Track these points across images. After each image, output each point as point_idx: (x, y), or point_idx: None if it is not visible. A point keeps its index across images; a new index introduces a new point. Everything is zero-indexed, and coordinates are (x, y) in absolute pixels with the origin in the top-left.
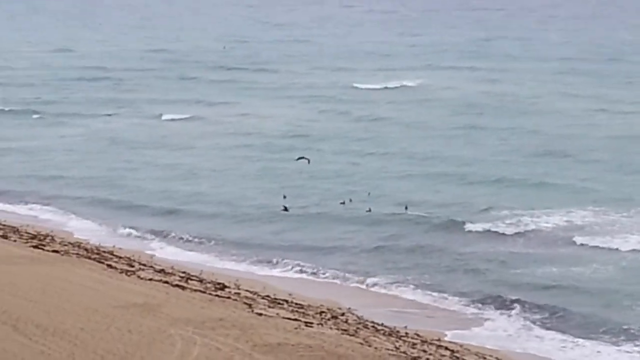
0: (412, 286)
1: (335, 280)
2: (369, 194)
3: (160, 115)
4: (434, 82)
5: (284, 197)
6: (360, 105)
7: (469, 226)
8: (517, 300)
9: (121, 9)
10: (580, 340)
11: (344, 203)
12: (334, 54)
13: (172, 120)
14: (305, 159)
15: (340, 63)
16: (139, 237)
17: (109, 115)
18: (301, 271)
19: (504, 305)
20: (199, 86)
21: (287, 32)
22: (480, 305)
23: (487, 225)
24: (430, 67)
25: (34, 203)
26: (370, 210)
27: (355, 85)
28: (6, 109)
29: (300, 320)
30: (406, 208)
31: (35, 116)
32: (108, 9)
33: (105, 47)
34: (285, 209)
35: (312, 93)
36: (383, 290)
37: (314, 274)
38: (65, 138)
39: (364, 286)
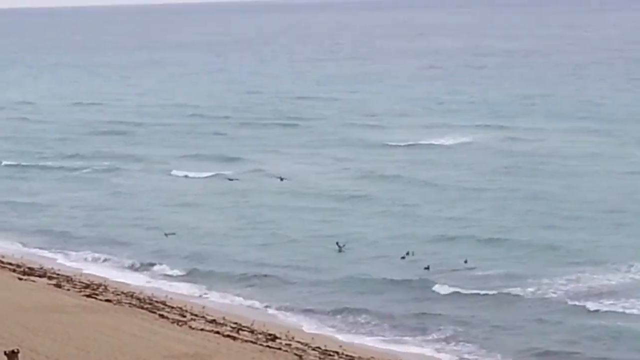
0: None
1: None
2: (465, 261)
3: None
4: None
5: (339, 246)
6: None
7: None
8: None
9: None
10: None
11: (404, 258)
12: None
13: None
14: None
15: (372, 121)
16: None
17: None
18: (348, 323)
19: None
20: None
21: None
22: None
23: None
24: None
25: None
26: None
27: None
28: (40, 163)
29: None
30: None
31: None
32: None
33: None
34: (339, 249)
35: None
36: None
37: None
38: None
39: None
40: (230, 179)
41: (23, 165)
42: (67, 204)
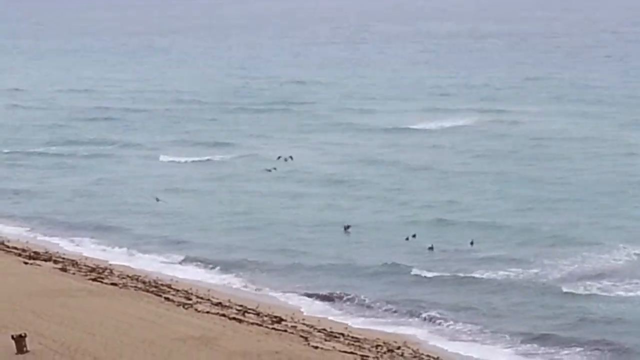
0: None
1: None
2: (471, 243)
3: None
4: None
5: (345, 228)
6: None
7: None
8: None
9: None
10: None
11: (407, 239)
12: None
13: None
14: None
15: (368, 105)
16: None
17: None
18: (354, 304)
19: None
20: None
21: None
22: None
23: None
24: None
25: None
26: (432, 248)
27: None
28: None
29: (356, 354)
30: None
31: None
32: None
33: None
34: (346, 228)
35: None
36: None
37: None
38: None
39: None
40: (268, 170)
41: (13, 152)
42: (59, 191)
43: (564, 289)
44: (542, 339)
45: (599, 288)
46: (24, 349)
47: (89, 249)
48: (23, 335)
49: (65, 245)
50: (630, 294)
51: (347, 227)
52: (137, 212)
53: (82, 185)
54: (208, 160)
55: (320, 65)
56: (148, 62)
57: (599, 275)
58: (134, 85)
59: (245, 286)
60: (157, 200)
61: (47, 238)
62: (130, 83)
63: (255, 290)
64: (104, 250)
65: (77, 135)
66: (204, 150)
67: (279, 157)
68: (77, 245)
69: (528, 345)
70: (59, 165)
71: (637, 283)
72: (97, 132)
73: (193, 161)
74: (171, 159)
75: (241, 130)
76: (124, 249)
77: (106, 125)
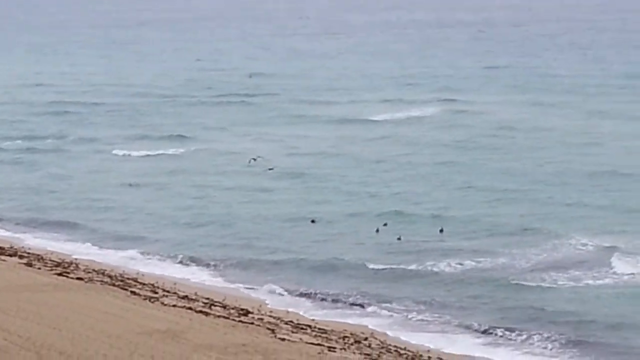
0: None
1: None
2: (441, 230)
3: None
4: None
5: (312, 221)
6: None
7: None
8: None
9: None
10: None
11: (377, 231)
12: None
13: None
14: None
15: (331, 97)
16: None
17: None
18: (322, 296)
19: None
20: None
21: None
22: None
23: None
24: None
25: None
26: (400, 239)
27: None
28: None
29: (323, 345)
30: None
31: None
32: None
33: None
34: (313, 222)
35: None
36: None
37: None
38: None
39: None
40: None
41: None
42: (16, 186)
43: (530, 281)
44: (507, 330)
45: (565, 279)
46: None
47: (52, 244)
48: None
49: (28, 240)
50: (598, 282)
51: (313, 221)
52: (95, 207)
53: (39, 180)
54: (163, 154)
55: (286, 57)
56: (111, 55)
57: (564, 267)
58: (95, 79)
59: (211, 279)
60: (130, 185)
61: (10, 233)
62: (92, 77)
63: (223, 282)
64: (66, 244)
65: (35, 130)
66: (161, 143)
67: (253, 159)
68: (41, 239)
69: (493, 336)
70: (16, 160)
71: (601, 274)
72: (55, 127)
73: (148, 155)
74: (126, 152)
75: (201, 124)
76: (88, 244)
77: (65, 119)
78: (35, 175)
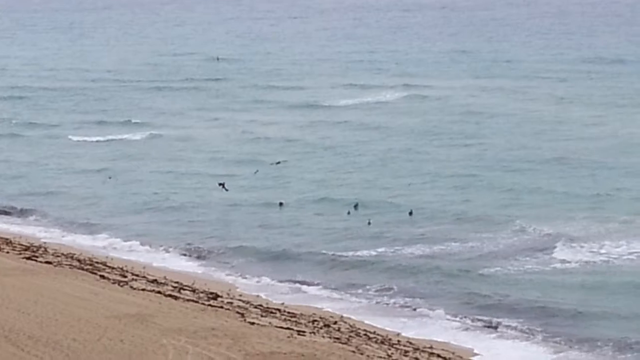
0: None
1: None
2: (410, 213)
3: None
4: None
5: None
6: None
7: None
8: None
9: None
10: None
11: (349, 213)
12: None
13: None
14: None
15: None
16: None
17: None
18: (291, 281)
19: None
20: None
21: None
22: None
23: None
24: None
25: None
26: (370, 223)
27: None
28: None
29: (292, 329)
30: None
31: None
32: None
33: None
34: (280, 205)
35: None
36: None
37: (304, 283)
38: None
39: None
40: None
41: None
42: None
43: (496, 266)
44: (475, 315)
45: (533, 263)
46: None
47: (18, 230)
48: None
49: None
50: (566, 265)
51: (281, 204)
52: (58, 194)
53: None
54: (120, 139)
55: (249, 41)
56: (71, 40)
57: (530, 253)
58: (54, 64)
59: (180, 263)
60: (110, 178)
61: None
62: (52, 62)
63: (193, 266)
64: (34, 229)
65: None
66: (117, 128)
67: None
68: (5, 224)
69: (461, 321)
70: None
71: (566, 262)
72: (11, 111)
73: (104, 140)
74: (81, 138)
75: (157, 109)
76: (56, 229)
77: (21, 104)
78: None
